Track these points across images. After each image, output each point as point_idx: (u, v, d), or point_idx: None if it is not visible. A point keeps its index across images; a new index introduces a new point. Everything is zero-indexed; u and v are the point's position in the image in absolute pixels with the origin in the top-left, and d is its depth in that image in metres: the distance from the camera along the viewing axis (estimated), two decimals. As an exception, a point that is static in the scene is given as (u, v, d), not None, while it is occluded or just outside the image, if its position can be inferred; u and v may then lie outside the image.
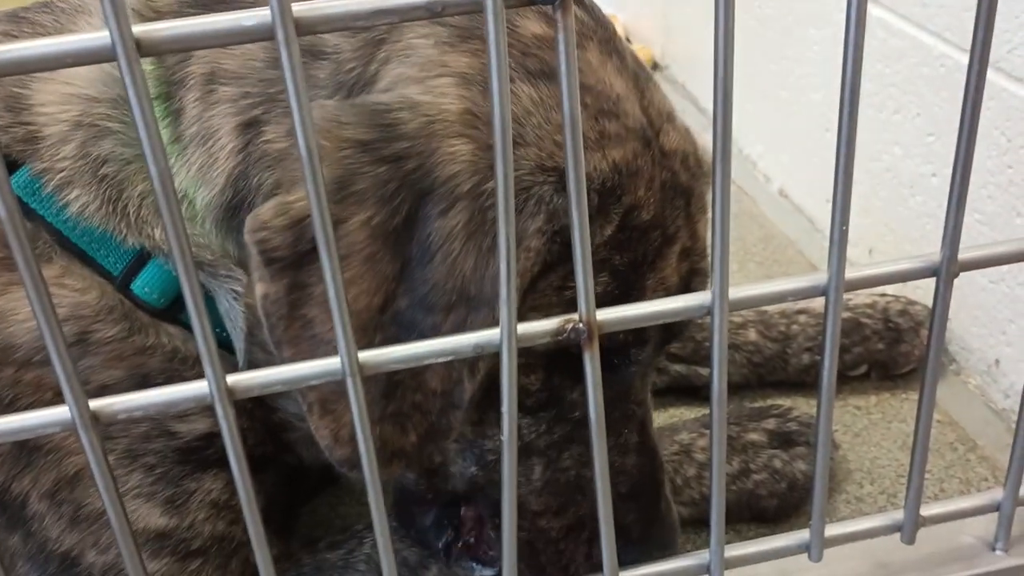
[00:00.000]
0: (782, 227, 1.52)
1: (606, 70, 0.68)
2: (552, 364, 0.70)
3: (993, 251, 0.62)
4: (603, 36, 0.69)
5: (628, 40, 2.25)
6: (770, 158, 1.62)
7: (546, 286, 0.67)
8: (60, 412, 0.52)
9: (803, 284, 0.60)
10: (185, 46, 0.45)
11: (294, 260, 0.60)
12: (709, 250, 0.60)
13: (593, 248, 0.66)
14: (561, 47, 0.47)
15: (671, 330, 0.76)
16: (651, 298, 0.71)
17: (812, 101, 1.45)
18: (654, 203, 0.69)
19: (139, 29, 0.43)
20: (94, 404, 0.52)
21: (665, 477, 0.82)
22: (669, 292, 0.71)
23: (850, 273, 0.59)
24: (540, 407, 0.72)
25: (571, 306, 0.68)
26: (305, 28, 0.45)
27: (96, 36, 0.43)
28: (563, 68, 0.48)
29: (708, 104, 2.05)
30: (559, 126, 0.64)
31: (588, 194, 0.65)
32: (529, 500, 0.76)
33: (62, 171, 0.70)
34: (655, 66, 2.11)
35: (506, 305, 0.53)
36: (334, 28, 0.46)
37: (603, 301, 0.66)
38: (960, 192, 0.58)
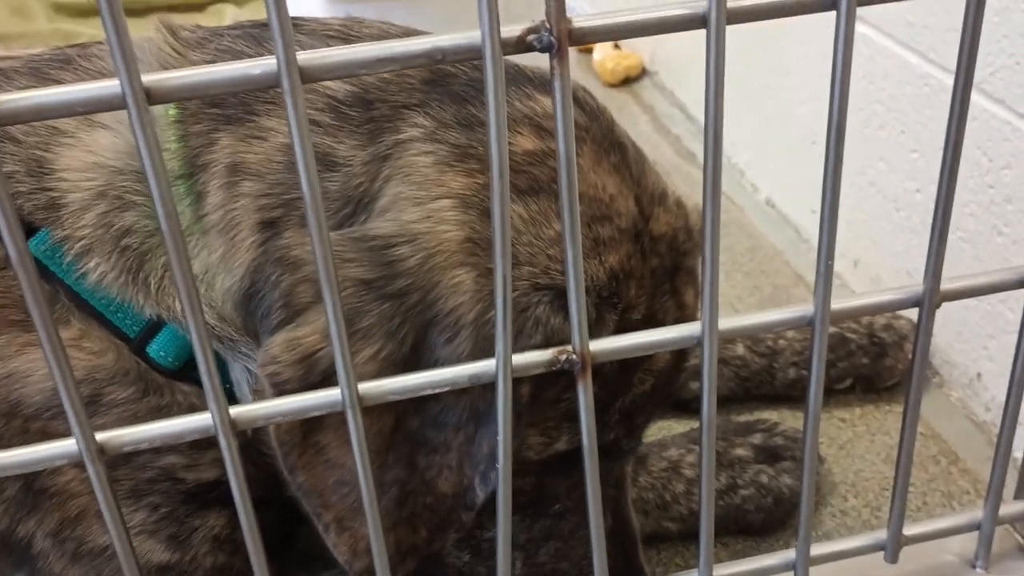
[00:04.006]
0: (770, 237, 1.54)
1: (599, 172, 0.68)
2: (544, 470, 0.72)
3: (974, 282, 0.64)
4: (597, 133, 0.70)
5: (617, 46, 2.26)
6: (758, 167, 1.64)
7: (543, 402, 0.68)
8: (67, 444, 0.53)
9: (790, 315, 0.61)
10: (194, 94, 0.46)
11: (305, 391, 0.62)
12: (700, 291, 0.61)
13: None
14: (558, 95, 0.48)
15: (664, 405, 0.78)
16: (639, 390, 0.72)
17: (799, 114, 1.47)
18: (645, 300, 0.70)
19: (149, 78, 0.44)
20: (100, 436, 0.53)
21: (639, 549, 0.83)
22: (659, 375, 0.73)
23: (835, 304, 0.61)
24: (528, 505, 0.75)
25: (567, 418, 0.70)
26: (310, 76, 0.46)
27: (106, 84, 0.44)
28: (559, 114, 0.49)
29: (696, 111, 2.07)
30: (551, 240, 0.66)
31: (587, 307, 0.67)
32: None
33: (82, 239, 0.71)
34: (644, 72, 2.12)
35: (502, 336, 0.55)
36: (338, 76, 0.47)
37: (595, 401, 0.67)
38: (942, 226, 0.60)
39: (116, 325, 0.72)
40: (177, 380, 0.74)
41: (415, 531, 0.66)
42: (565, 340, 0.66)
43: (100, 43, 0.79)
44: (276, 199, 0.69)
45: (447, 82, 0.70)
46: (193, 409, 0.73)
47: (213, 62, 0.71)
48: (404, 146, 0.67)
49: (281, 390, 0.62)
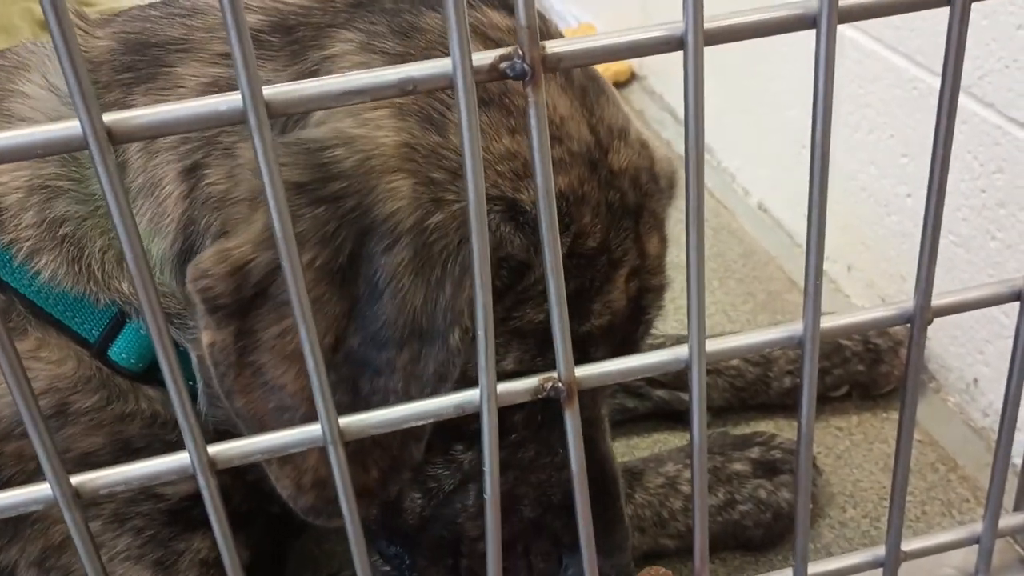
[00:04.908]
0: (762, 242, 1.52)
1: (549, 91, 0.67)
2: None
3: (966, 297, 0.63)
4: None
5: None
6: (749, 171, 1.63)
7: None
8: (41, 489, 0.52)
9: (780, 335, 0.60)
10: (158, 132, 0.45)
11: (239, 307, 0.60)
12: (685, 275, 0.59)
13: (534, 280, 0.67)
14: (533, 121, 0.47)
15: (622, 352, 0.76)
16: (596, 322, 0.71)
17: (789, 116, 1.46)
18: (600, 229, 0.68)
19: (111, 118, 0.43)
20: (75, 480, 0.52)
21: (620, 490, 0.80)
22: (615, 314, 0.71)
23: (825, 323, 0.60)
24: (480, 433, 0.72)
25: (515, 336, 0.69)
26: (277, 111, 0.45)
27: (66, 126, 0.43)
28: (535, 142, 0.48)
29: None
30: (500, 156, 0.65)
31: (534, 224, 0.65)
32: (466, 527, 0.76)
33: (29, 239, 0.70)
34: (633, 76, 2.12)
35: (484, 368, 0.54)
36: (306, 110, 0.46)
37: (541, 327, 0.68)
38: (932, 243, 0.59)
39: (75, 331, 0.70)
40: (142, 383, 0.72)
41: (365, 470, 0.64)
42: (514, 250, 0.66)
43: (20, 43, 0.80)
44: (195, 142, 0.67)
45: (376, 1, 0.68)
46: (156, 418, 0.72)
47: (119, 33, 0.72)
48: (333, 60, 0.66)
49: (213, 306, 0.60)
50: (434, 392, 0.63)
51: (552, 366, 0.72)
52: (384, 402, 0.63)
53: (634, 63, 2.11)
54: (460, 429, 0.71)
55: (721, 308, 1.37)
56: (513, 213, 0.64)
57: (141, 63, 0.70)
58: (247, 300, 0.60)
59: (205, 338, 0.60)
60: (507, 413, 0.71)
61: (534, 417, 0.74)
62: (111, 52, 0.71)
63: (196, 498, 0.73)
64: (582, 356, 0.72)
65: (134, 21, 0.73)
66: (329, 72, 0.66)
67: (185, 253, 0.68)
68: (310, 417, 0.62)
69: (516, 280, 0.66)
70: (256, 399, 0.61)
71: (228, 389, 0.61)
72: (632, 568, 0.82)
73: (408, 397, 0.63)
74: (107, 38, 0.72)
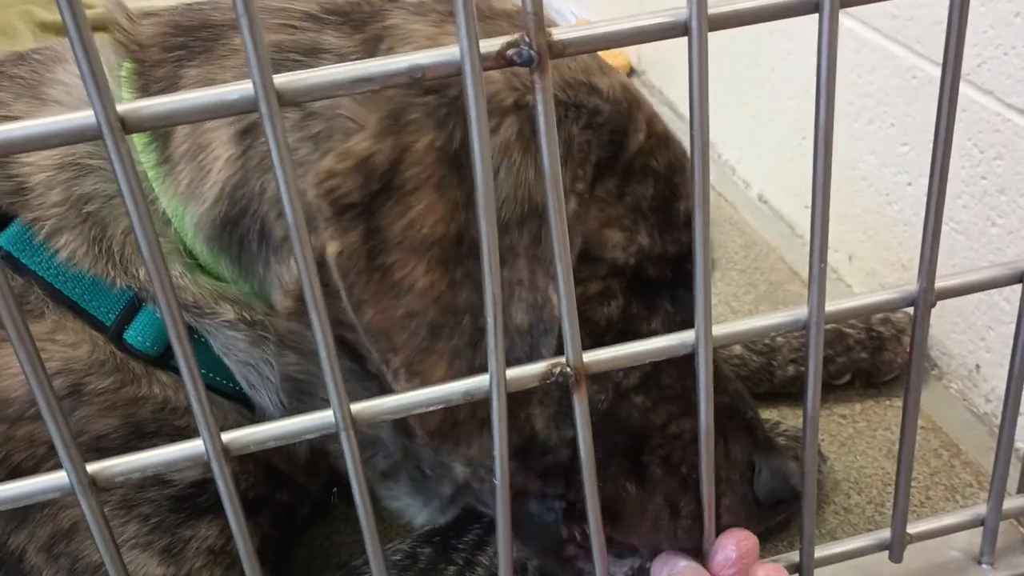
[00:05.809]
0: (763, 233, 1.53)
1: None
2: (631, 290, 0.71)
3: (969, 279, 0.64)
4: None
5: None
6: (748, 163, 1.64)
7: (606, 194, 0.68)
8: (58, 477, 0.52)
9: (785, 319, 0.61)
10: (170, 122, 0.45)
11: (367, 204, 0.60)
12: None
13: (632, 154, 0.69)
14: (540, 107, 0.48)
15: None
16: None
17: (788, 108, 1.46)
18: (660, 121, 0.72)
19: (124, 108, 0.44)
20: (92, 468, 0.52)
21: (759, 418, 0.79)
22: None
23: (830, 306, 0.60)
24: (621, 337, 0.69)
25: (637, 212, 0.70)
26: (287, 99, 0.45)
27: (81, 116, 0.44)
28: (542, 127, 0.48)
29: (685, 109, 2.04)
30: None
31: (617, 103, 0.69)
32: (646, 419, 0.73)
33: (52, 218, 0.70)
34: (631, 71, 2.12)
35: (493, 351, 0.54)
36: (316, 98, 0.47)
37: (655, 204, 0.70)
38: (935, 226, 0.59)
39: (92, 314, 0.70)
40: (157, 368, 0.72)
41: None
42: (606, 116, 0.68)
43: (56, 40, 0.81)
44: None
45: None
46: (166, 404, 0.73)
47: (170, 20, 0.73)
48: (395, 27, 0.69)
49: (341, 207, 0.60)
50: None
51: (677, 243, 0.71)
52: (511, 299, 0.62)
53: (633, 58, 2.12)
54: (600, 341, 0.69)
55: (723, 299, 1.37)
56: (594, 88, 0.67)
57: (194, 42, 0.71)
58: (373, 195, 0.60)
59: (331, 248, 0.60)
60: (639, 314, 0.71)
61: (669, 319, 0.74)
62: (161, 35, 0.72)
63: (202, 484, 0.74)
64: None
65: (184, 13, 0.75)
66: (392, 36, 0.69)
67: (230, 220, 0.68)
68: (436, 323, 0.62)
69: (617, 148, 0.68)
70: (386, 307, 0.60)
71: (358, 300, 0.60)
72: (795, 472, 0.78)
73: (535, 290, 0.63)
74: (155, 25, 0.74)
